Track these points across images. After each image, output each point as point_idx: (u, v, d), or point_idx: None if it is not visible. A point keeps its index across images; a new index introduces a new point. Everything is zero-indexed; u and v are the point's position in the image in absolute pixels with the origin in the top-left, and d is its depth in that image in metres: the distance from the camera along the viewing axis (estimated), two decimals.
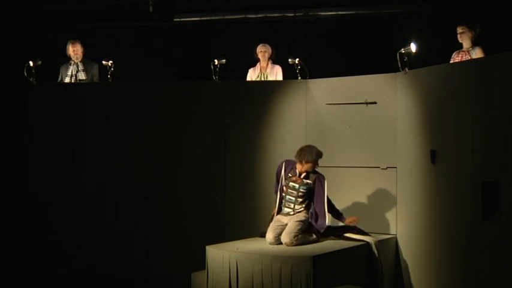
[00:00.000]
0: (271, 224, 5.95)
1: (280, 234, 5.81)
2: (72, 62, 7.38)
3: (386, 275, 6.15)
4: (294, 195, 5.97)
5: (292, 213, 5.96)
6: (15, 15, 8.61)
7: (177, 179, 6.88)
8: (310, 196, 5.98)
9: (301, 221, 5.85)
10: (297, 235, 5.76)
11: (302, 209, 5.96)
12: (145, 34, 9.07)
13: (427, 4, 8.31)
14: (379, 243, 5.92)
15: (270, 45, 7.48)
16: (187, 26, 9.10)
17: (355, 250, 5.81)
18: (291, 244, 5.69)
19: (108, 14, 8.92)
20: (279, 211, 6.07)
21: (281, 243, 5.77)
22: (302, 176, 5.98)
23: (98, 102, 6.99)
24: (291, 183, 5.99)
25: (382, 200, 6.40)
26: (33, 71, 6.89)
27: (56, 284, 6.75)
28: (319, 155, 5.97)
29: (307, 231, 5.89)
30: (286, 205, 6.01)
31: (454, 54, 6.39)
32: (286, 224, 5.87)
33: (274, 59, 7.48)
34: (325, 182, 5.96)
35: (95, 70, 7.41)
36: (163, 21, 8.92)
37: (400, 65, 6.24)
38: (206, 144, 6.89)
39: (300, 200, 5.96)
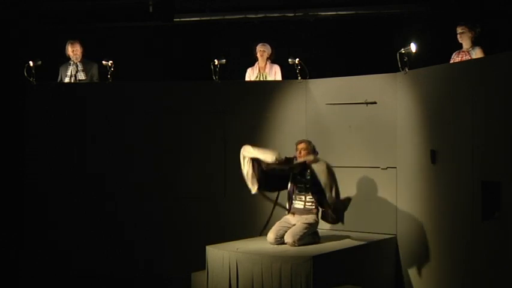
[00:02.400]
0: (276, 224, 5.93)
1: (282, 236, 5.78)
2: (72, 62, 7.37)
3: (386, 275, 6.16)
4: (302, 188, 5.95)
5: (302, 207, 5.91)
6: (16, 15, 8.61)
7: (177, 179, 6.88)
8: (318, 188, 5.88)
9: (309, 223, 5.82)
10: (302, 238, 5.74)
11: (313, 205, 5.90)
12: (145, 34, 9.07)
13: (427, 4, 8.32)
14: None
15: (269, 45, 7.48)
16: (187, 26, 9.11)
17: (355, 250, 5.81)
18: (293, 245, 5.68)
19: (108, 14, 8.92)
20: (289, 208, 6.02)
21: (282, 244, 5.76)
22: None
23: (98, 102, 6.99)
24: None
25: (382, 200, 6.40)
26: (33, 71, 6.88)
27: (56, 284, 6.74)
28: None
29: (312, 234, 5.90)
30: (297, 198, 5.96)
31: (454, 54, 6.39)
32: (292, 225, 5.84)
33: (274, 59, 7.48)
34: (324, 167, 5.82)
35: (95, 70, 7.41)
36: (163, 21, 8.92)
37: (400, 65, 6.25)
38: (206, 144, 6.89)
39: (309, 191, 5.90)
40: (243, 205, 6.74)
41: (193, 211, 6.82)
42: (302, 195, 5.95)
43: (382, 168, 6.41)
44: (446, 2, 8.18)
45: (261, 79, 7.37)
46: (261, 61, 7.44)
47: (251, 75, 7.47)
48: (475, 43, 6.30)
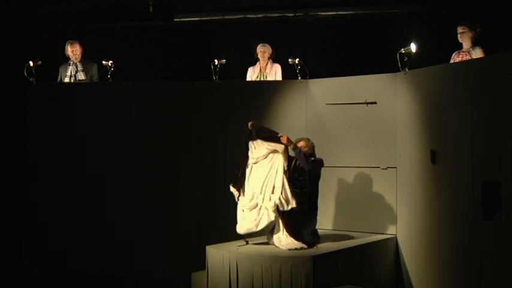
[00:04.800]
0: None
1: None
2: (71, 62, 7.38)
3: (386, 275, 6.16)
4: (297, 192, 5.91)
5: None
6: (15, 15, 8.61)
7: (177, 179, 6.88)
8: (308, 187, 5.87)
9: None
10: None
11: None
12: (145, 34, 9.07)
13: (427, 4, 8.31)
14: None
15: (269, 45, 7.48)
16: (187, 26, 9.10)
17: (355, 250, 5.81)
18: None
19: (108, 14, 8.92)
20: None
21: None
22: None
23: (98, 102, 6.99)
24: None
25: (382, 200, 6.40)
26: (33, 71, 6.89)
27: (56, 285, 6.74)
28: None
29: (312, 233, 5.87)
30: None
31: (454, 54, 6.39)
32: None
33: (275, 59, 7.48)
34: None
35: (94, 70, 7.41)
36: (163, 21, 8.92)
37: (400, 65, 6.25)
38: (206, 144, 6.89)
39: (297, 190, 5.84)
40: None
41: (193, 211, 6.82)
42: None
43: (382, 168, 6.41)
44: (447, 2, 8.18)
45: (262, 79, 7.36)
46: (262, 61, 7.44)
47: (252, 74, 7.47)
48: (475, 43, 6.30)
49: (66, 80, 7.33)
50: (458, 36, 6.35)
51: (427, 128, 5.93)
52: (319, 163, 5.90)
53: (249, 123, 5.87)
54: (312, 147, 5.98)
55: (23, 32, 8.64)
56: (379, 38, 8.26)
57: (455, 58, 6.34)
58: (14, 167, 7.48)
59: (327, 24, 8.77)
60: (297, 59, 6.91)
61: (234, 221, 6.62)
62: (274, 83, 7.20)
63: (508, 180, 4.98)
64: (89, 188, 6.87)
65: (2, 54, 8.26)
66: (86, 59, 7.44)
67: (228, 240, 5.97)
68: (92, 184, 6.87)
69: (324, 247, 5.67)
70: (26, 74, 6.87)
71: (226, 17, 8.91)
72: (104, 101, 6.99)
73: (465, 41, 6.33)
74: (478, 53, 6.21)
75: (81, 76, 7.33)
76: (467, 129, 5.42)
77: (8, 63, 8.08)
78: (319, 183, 5.93)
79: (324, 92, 6.82)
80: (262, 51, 7.41)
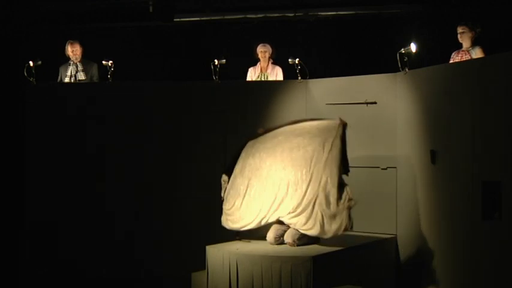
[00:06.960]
0: (274, 224, 5.91)
1: (281, 235, 5.78)
2: (71, 62, 7.38)
3: (386, 275, 6.16)
4: None
5: None
6: (15, 15, 8.61)
7: (177, 179, 6.88)
8: None
9: None
10: (302, 237, 5.73)
11: None
12: (145, 34, 9.08)
13: (427, 4, 8.32)
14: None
15: (270, 45, 7.48)
16: (187, 26, 9.11)
17: (355, 250, 5.81)
18: (293, 244, 5.68)
19: (108, 14, 8.93)
20: None
21: (282, 243, 5.75)
22: None
23: (98, 102, 6.99)
24: None
25: (382, 200, 6.40)
26: (33, 71, 6.89)
27: (56, 285, 6.75)
28: None
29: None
30: None
31: (453, 53, 6.40)
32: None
33: (275, 59, 7.48)
34: None
35: (94, 70, 7.42)
36: (163, 21, 8.92)
37: (400, 65, 6.25)
38: (206, 144, 6.89)
39: None
40: None
41: (193, 211, 6.82)
42: None
43: (382, 168, 6.41)
44: (447, 2, 8.18)
45: (262, 79, 7.37)
46: (262, 62, 7.44)
47: (253, 74, 7.47)
48: (475, 43, 6.30)
49: (66, 80, 7.33)
50: (458, 36, 6.35)
51: (427, 128, 5.93)
52: None
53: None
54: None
55: (23, 32, 8.65)
56: (379, 38, 8.26)
57: (455, 57, 6.35)
58: (14, 167, 7.48)
59: (327, 24, 8.77)
60: (297, 59, 6.91)
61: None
62: (274, 83, 7.20)
63: (508, 180, 4.98)
64: (89, 187, 6.87)
65: (2, 54, 8.26)
66: (86, 59, 7.44)
67: (228, 240, 5.97)
68: (91, 184, 6.87)
69: (324, 247, 5.68)
70: (26, 74, 6.87)
71: (226, 17, 8.92)
72: (104, 101, 6.99)
73: (465, 41, 6.33)
74: (478, 53, 6.21)
75: (81, 76, 7.33)
76: (467, 129, 5.42)
77: (8, 63, 8.08)
78: None
79: (324, 92, 6.82)
80: (263, 51, 7.42)
